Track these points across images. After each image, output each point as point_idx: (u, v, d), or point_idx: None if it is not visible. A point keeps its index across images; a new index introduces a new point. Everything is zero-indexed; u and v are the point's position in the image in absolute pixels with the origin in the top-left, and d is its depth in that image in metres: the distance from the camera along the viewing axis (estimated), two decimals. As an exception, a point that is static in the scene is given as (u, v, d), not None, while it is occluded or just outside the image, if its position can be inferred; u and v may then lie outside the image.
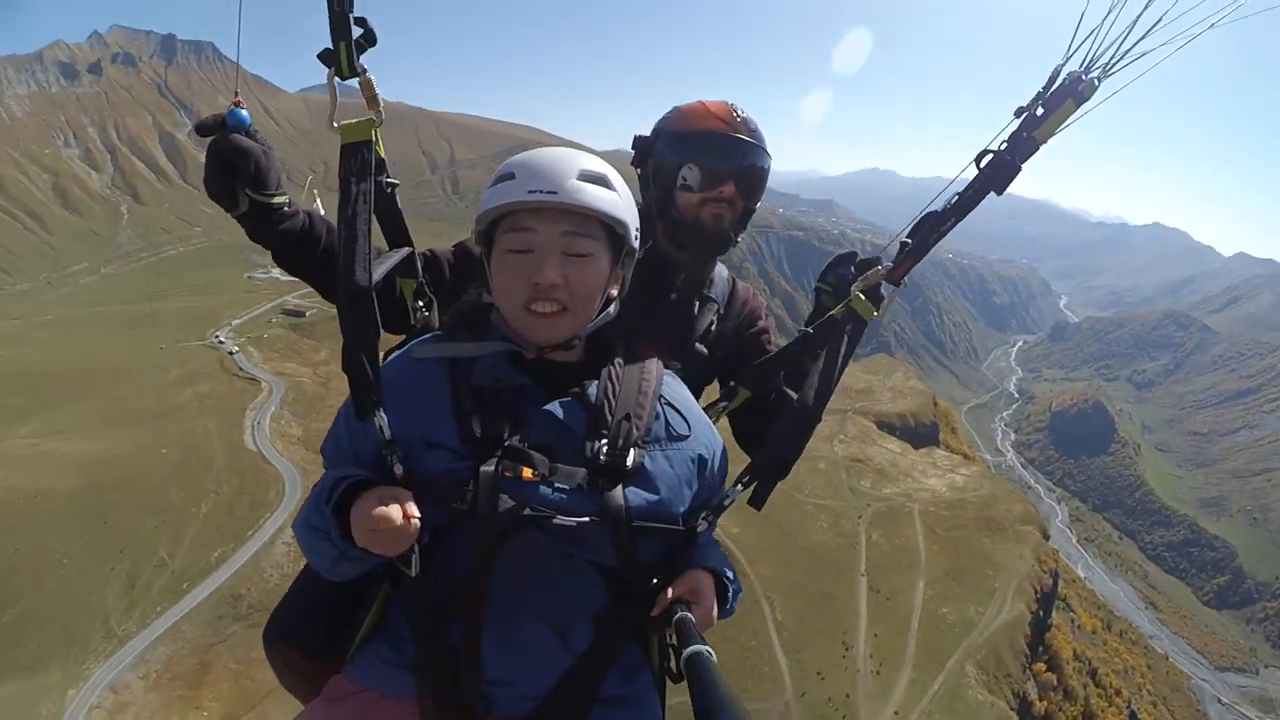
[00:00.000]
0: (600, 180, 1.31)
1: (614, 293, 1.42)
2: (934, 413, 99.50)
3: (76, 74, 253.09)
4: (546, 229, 1.29)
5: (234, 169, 1.41)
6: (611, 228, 1.34)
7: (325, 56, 1.33)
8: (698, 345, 2.01)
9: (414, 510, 1.17)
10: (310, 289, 1.67)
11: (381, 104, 1.40)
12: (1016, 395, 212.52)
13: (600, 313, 1.40)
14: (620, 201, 1.34)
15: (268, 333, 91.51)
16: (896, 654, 47.71)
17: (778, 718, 42.28)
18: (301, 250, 1.56)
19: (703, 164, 1.87)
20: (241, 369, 76.57)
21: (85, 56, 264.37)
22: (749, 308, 2.17)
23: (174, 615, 41.99)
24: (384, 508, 1.15)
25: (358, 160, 1.35)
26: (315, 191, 1.59)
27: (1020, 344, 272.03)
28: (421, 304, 1.71)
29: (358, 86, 1.40)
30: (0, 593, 41.24)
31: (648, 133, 2.02)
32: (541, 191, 1.26)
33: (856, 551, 57.49)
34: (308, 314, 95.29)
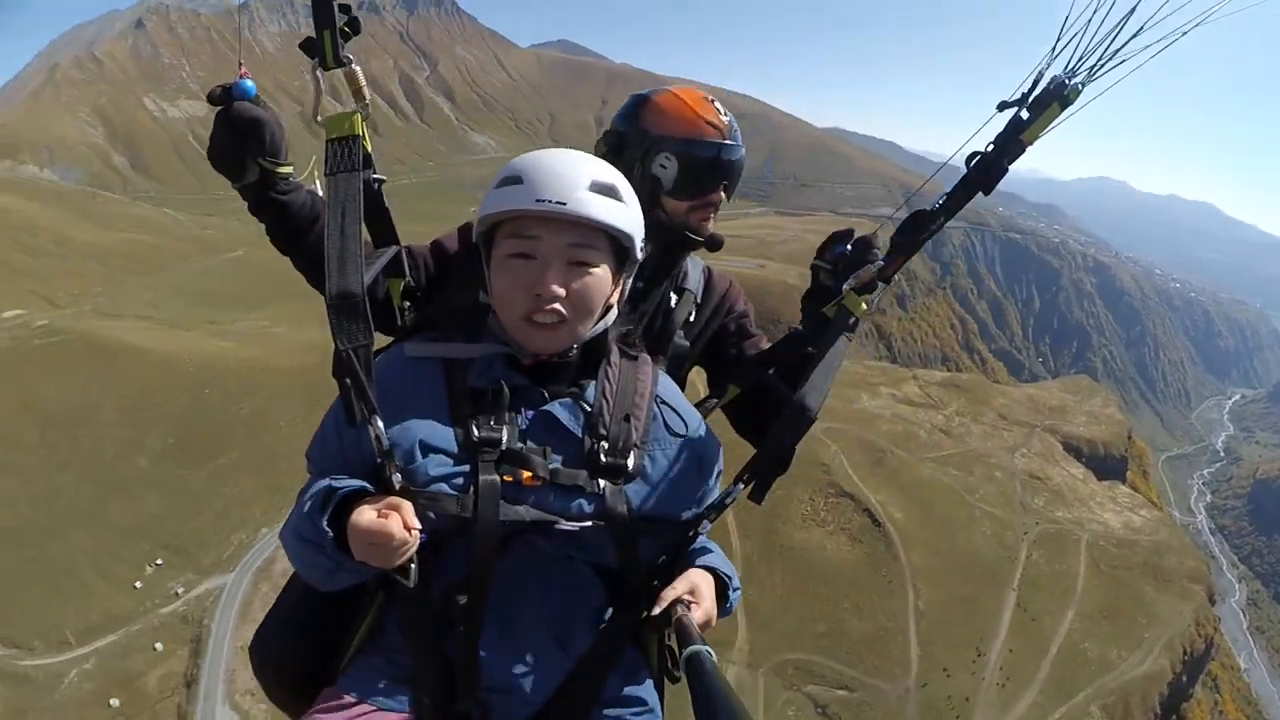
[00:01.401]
0: (610, 191, 1.28)
1: (614, 300, 1.39)
2: (1127, 448, 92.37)
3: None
4: (551, 238, 1.25)
5: (245, 137, 1.37)
6: (617, 239, 1.31)
7: (307, 46, 1.31)
8: (678, 339, 1.99)
9: (414, 522, 1.12)
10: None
11: (368, 96, 1.37)
12: (1222, 454, 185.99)
13: (600, 320, 1.37)
14: (628, 213, 1.30)
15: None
16: (1026, 674, 47.84)
17: (895, 701, 44.24)
18: (300, 226, 1.52)
19: (694, 173, 1.85)
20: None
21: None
22: (727, 296, 2.11)
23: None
24: (384, 520, 1.09)
25: (345, 155, 1.31)
26: (317, 173, 1.51)
27: (1237, 397, 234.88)
28: (408, 304, 1.65)
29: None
30: (219, 442, 51.63)
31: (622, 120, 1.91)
32: (550, 201, 1.22)
33: (1013, 566, 57.30)
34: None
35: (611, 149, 1.90)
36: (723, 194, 1.93)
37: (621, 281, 1.40)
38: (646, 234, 1.63)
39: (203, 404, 55.35)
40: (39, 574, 40.84)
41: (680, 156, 1.83)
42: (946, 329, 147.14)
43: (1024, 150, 1.43)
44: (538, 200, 1.23)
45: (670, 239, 1.93)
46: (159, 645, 39.54)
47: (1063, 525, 63.92)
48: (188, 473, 49.92)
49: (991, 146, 1.46)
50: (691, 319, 2.03)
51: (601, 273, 1.31)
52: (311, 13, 1.27)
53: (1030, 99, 1.39)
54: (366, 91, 1.35)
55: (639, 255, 1.37)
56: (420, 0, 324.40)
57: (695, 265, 2.10)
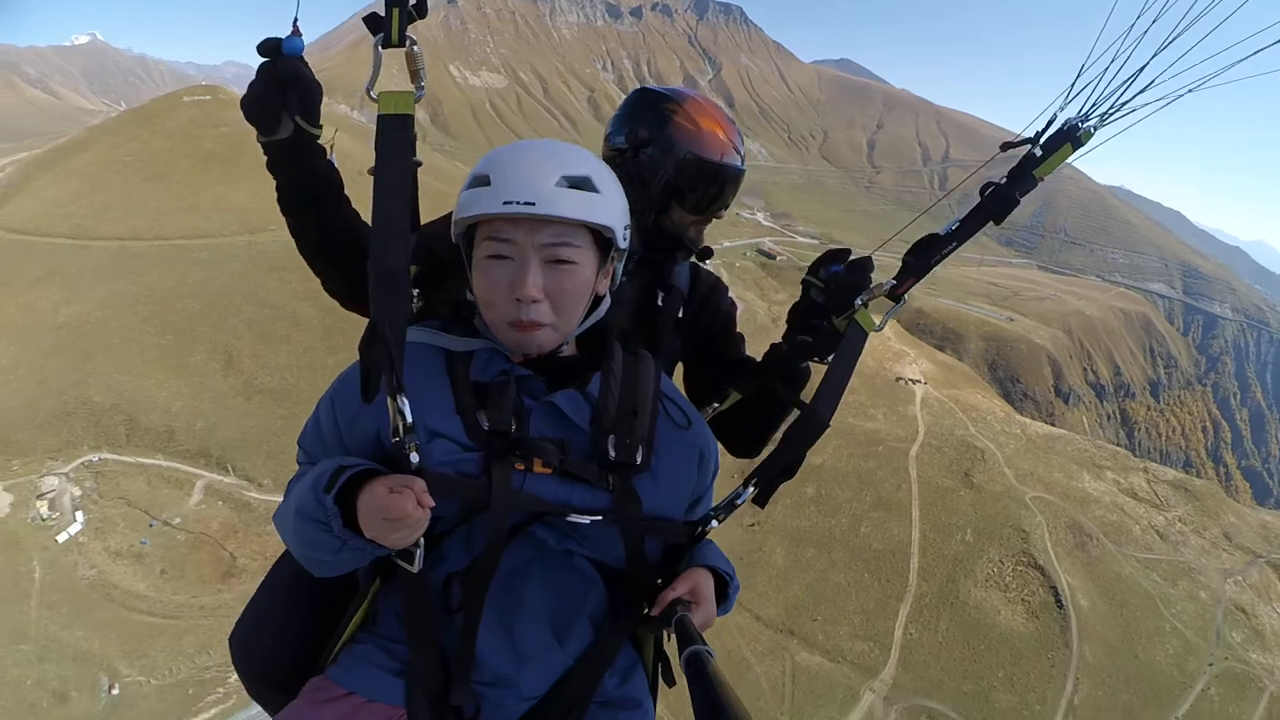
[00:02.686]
0: (583, 183, 1.23)
1: (603, 290, 1.36)
2: (1363, 613, 77.52)
3: (620, 14, 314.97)
4: (525, 239, 1.21)
5: (287, 91, 1.35)
6: (598, 231, 1.28)
7: (371, 21, 1.28)
8: (670, 337, 1.98)
9: (429, 500, 1.10)
10: None
11: (425, 79, 1.36)
12: None
13: (591, 311, 1.35)
14: (604, 203, 1.25)
15: (739, 263, 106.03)
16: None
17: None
18: (317, 192, 1.52)
19: (714, 191, 1.87)
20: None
21: (629, 1, 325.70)
22: (714, 295, 2.11)
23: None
24: (398, 495, 1.08)
25: (399, 133, 1.28)
26: (332, 145, 1.54)
27: None
28: (416, 291, 1.57)
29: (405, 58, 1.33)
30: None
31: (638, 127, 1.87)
32: (518, 203, 1.18)
33: (1185, 694, 51.70)
34: (778, 258, 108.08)
35: (631, 148, 1.86)
36: (726, 209, 1.97)
37: (609, 269, 1.36)
38: (642, 237, 1.72)
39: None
40: (288, 429, 48.74)
41: (705, 174, 1.84)
42: (1197, 431, 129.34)
43: (1035, 184, 1.50)
44: (505, 202, 1.18)
45: (665, 243, 1.93)
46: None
47: (1252, 668, 56.73)
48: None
49: (1004, 179, 1.53)
50: (680, 317, 2.02)
51: (583, 267, 1.26)
52: None
53: (1043, 138, 1.46)
54: (424, 73, 1.34)
55: (624, 243, 1.32)
56: (711, 6, 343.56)
57: (682, 264, 2.06)
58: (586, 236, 1.27)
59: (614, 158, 1.90)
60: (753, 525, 49.85)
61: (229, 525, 43.00)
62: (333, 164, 1.55)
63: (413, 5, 1.28)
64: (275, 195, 1.57)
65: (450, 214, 1.43)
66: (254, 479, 47.36)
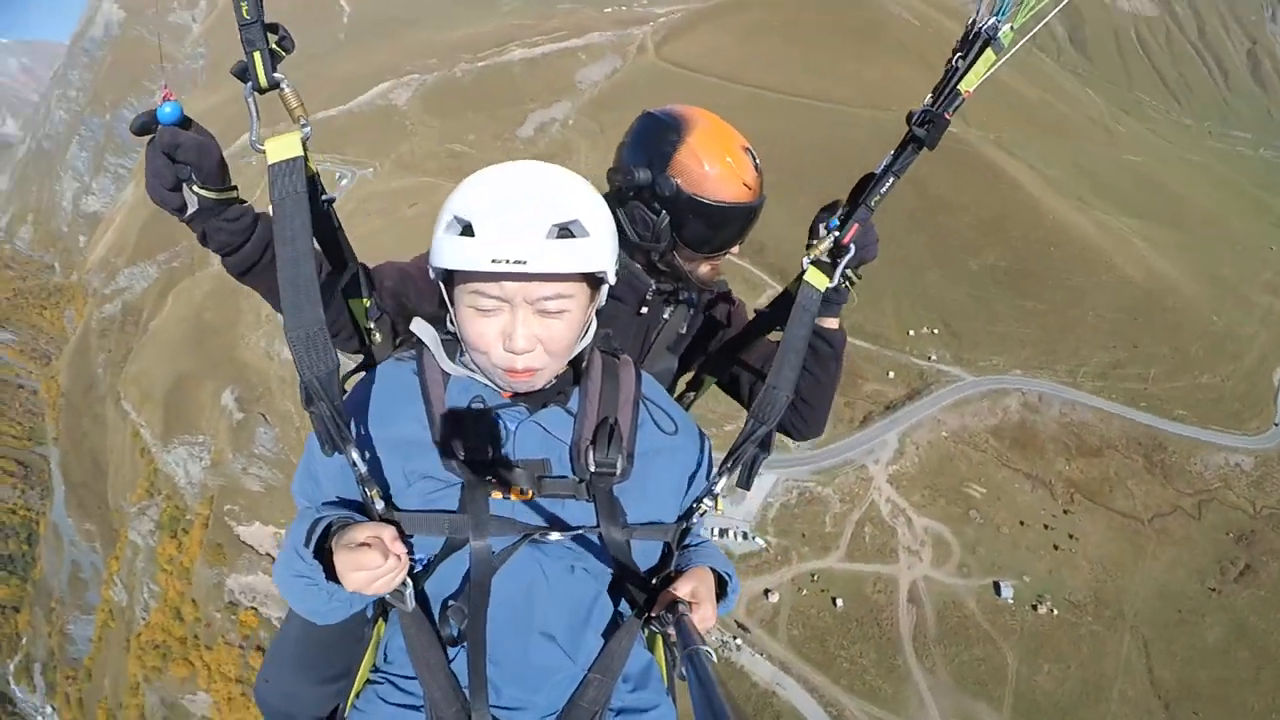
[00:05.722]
0: (573, 229, 1.15)
1: (590, 316, 1.33)
2: None
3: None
4: (516, 292, 1.17)
5: (176, 164, 1.24)
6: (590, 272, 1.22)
7: (239, 71, 1.21)
8: (667, 350, 1.95)
9: (399, 548, 1.10)
10: None
11: (306, 115, 1.27)
12: None
13: (580, 341, 1.33)
14: (595, 246, 1.18)
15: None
16: None
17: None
18: (250, 255, 1.41)
19: (722, 234, 1.79)
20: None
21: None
22: (718, 304, 2.08)
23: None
24: (365, 548, 1.08)
25: (291, 178, 1.21)
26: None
27: None
28: (373, 325, 1.60)
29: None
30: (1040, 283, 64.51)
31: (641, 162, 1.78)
32: (507, 261, 1.10)
33: None
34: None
35: (628, 190, 1.77)
36: (740, 246, 1.84)
37: (598, 299, 1.32)
38: (651, 274, 1.67)
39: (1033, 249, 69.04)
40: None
41: (711, 218, 1.74)
42: None
43: (962, 100, 1.44)
44: (494, 260, 1.11)
45: (675, 280, 1.86)
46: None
47: None
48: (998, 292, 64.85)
49: (929, 101, 1.46)
50: (683, 331, 1.99)
51: (574, 311, 1.24)
52: (240, 37, 1.17)
53: (964, 47, 1.41)
54: (301, 112, 1.25)
55: (612, 278, 1.26)
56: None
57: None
58: (578, 281, 1.23)
59: (617, 193, 1.84)
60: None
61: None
62: (263, 218, 1.42)
63: (276, 43, 1.21)
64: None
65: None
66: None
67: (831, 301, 1.66)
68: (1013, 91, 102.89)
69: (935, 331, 63.82)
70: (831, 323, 1.80)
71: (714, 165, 1.74)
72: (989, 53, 1.38)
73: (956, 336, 64.01)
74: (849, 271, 1.67)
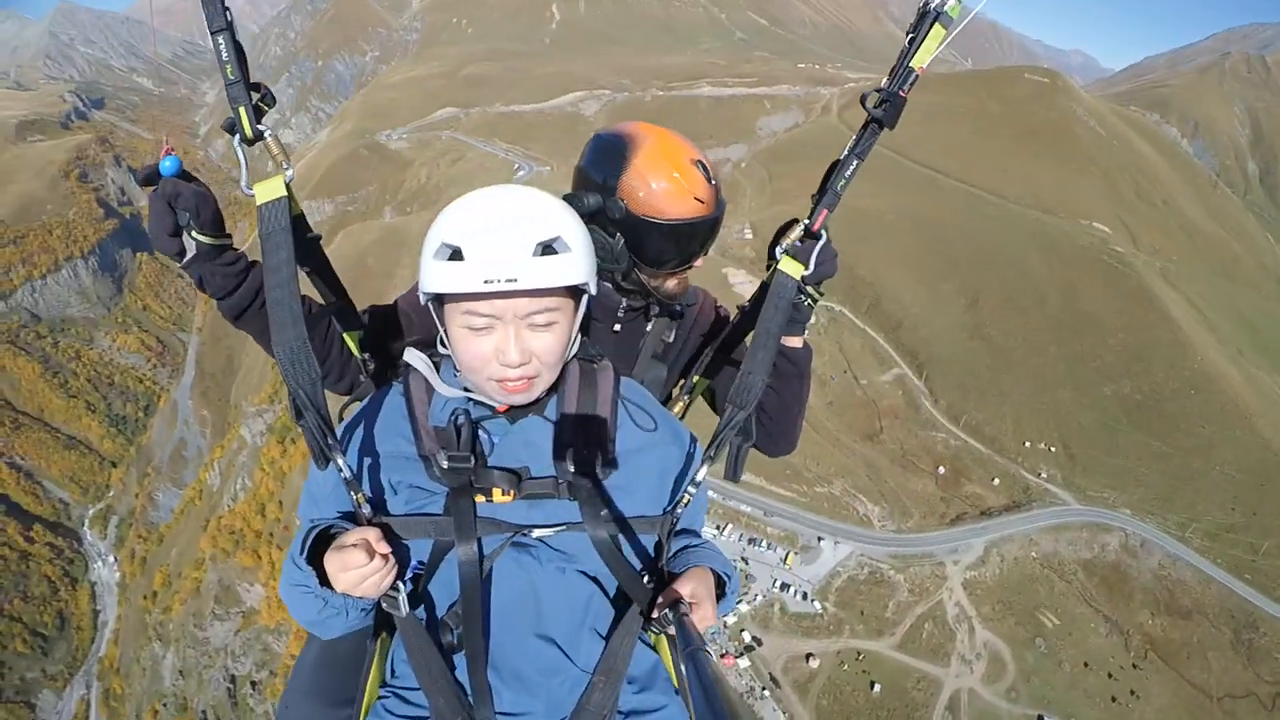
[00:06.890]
0: (555, 245, 1.20)
1: (576, 326, 1.37)
2: None
3: None
4: (506, 309, 1.22)
5: (176, 213, 1.35)
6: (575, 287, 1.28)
7: (228, 125, 1.32)
8: (654, 358, 1.98)
9: (384, 548, 1.17)
10: None
11: (290, 160, 1.38)
12: None
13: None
14: (576, 260, 1.23)
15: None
16: None
17: None
18: (244, 299, 1.52)
19: (679, 250, 1.79)
20: None
21: None
22: (704, 312, 2.09)
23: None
24: (351, 547, 1.16)
25: (276, 216, 1.30)
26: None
27: None
28: (368, 355, 1.69)
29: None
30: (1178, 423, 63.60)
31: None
32: (499, 281, 1.16)
33: None
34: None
35: (583, 215, 1.69)
36: (703, 257, 1.88)
37: (582, 310, 1.35)
38: (620, 292, 1.73)
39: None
40: (976, 372, 58.77)
41: (665, 236, 1.76)
42: None
43: (916, 77, 1.48)
44: (485, 281, 1.17)
45: (645, 296, 1.90)
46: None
47: None
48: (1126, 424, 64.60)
49: (887, 79, 1.50)
50: (670, 340, 2.01)
51: (562, 322, 1.28)
52: (227, 96, 1.29)
53: (915, 26, 1.44)
54: (283, 158, 1.36)
55: (594, 289, 1.30)
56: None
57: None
58: (564, 295, 1.27)
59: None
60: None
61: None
62: (256, 264, 1.51)
63: (259, 100, 1.31)
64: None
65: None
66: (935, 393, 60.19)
67: (795, 320, 1.69)
68: (1189, 220, 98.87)
69: (1052, 449, 61.42)
70: (795, 341, 1.79)
71: (661, 182, 1.73)
72: (938, 28, 1.42)
73: (1073, 459, 61.27)
74: (810, 289, 1.68)
